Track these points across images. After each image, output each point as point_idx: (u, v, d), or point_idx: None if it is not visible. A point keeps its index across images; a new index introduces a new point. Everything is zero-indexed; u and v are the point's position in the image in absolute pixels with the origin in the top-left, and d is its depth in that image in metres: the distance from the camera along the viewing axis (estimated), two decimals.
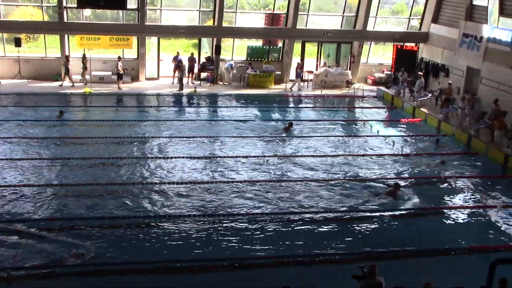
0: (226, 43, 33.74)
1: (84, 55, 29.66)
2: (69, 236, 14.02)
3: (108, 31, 29.84)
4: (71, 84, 29.60)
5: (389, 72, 33.57)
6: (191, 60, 31.55)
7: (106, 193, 16.81)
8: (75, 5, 29.37)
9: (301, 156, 21.05)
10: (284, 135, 23.48)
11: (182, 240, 14.28)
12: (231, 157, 20.51)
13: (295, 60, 33.46)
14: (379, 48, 37.57)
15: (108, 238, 14.13)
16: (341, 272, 13.15)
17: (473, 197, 18.04)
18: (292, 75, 33.30)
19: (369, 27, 32.99)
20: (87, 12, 30.28)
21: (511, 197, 18.18)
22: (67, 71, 29.42)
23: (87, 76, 29.59)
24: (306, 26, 32.93)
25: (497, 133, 22.44)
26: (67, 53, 30.05)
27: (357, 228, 15.56)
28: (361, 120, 26.64)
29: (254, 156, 20.62)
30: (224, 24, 31.77)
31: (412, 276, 12.54)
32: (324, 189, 17.92)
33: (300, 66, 31.91)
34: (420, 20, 33.58)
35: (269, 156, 20.77)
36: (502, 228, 15.98)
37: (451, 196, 18.04)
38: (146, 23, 30.51)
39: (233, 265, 13.39)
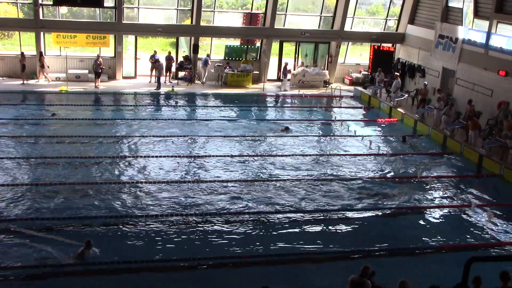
0: (204, 42, 33.65)
1: (41, 53, 29.30)
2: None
3: (84, 29, 29.60)
4: (47, 82, 29.34)
5: (366, 72, 33.82)
6: (169, 59, 31.42)
7: (80, 192, 16.65)
8: (51, 3, 29.05)
9: (277, 155, 21.09)
10: (259, 134, 23.53)
11: (166, 240, 14.26)
12: (209, 156, 20.48)
13: (274, 60, 33.56)
14: (356, 48, 37.83)
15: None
16: (317, 270, 13.26)
17: (448, 196, 18.25)
18: (270, 74, 33.41)
19: (347, 28, 33.19)
20: (63, 9, 30.00)
21: (485, 196, 18.47)
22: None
23: (62, 75, 29.31)
24: (284, 25, 33.02)
25: (471, 133, 22.75)
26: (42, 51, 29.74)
27: (333, 227, 15.64)
28: (338, 120, 26.77)
29: (232, 156, 20.63)
30: (202, 23, 31.69)
31: (388, 274, 12.63)
32: (300, 188, 17.99)
33: (287, 66, 32.00)
34: (396, 21, 33.89)
35: (248, 156, 20.80)
36: (476, 227, 16.20)
37: (427, 195, 18.23)
38: (123, 21, 30.29)
39: (213, 264, 13.41)
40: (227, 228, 15.07)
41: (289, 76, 32.58)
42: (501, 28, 25.05)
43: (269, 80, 33.27)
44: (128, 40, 32.06)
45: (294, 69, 33.50)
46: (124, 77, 31.56)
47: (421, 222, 16.39)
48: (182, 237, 14.45)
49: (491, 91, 24.75)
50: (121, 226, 14.74)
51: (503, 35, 24.71)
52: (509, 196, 18.85)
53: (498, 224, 16.43)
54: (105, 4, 29.43)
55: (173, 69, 31.91)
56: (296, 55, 34.34)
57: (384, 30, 34.27)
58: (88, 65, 30.57)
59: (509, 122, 21.65)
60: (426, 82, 28.77)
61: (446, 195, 18.32)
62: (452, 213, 17.06)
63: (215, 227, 15.07)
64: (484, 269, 10.28)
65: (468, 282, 6.00)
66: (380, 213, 16.72)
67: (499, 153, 21.40)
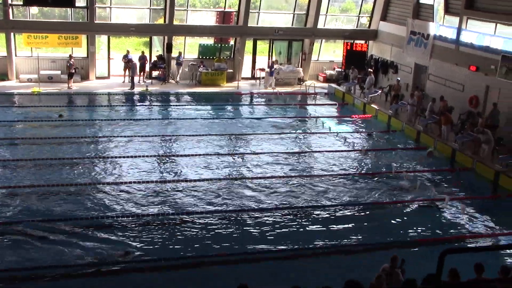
0: (178, 41, 33.51)
1: None
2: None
3: (56, 29, 29.24)
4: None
5: (340, 69, 34.01)
6: (142, 58, 31.19)
7: (53, 194, 16.51)
8: (21, 3, 28.65)
9: (253, 153, 21.14)
10: (236, 132, 23.56)
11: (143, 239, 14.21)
12: (184, 155, 20.43)
13: (248, 58, 33.58)
14: (330, 45, 38.01)
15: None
16: (296, 267, 13.34)
17: (422, 190, 18.46)
18: (244, 73, 33.42)
19: (320, 25, 33.33)
20: (34, 10, 29.60)
21: (459, 190, 18.75)
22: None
23: (34, 76, 28.96)
24: (257, 24, 33.04)
25: (444, 128, 23.06)
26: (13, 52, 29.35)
27: (309, 223, 15.76)
28: (313, 117, 26.90)
29: (208, 155, 20.62)
30: (175, 22, 31.55)
31: (364, 269, 12.76)
32: (277, 185, 18.08)
33: (274, 64, 32.04)
34: (369, 18, 34.14)
35: (223, 154, 20.80)
36: (450, 220, 16.45)
37: (401, 190, 18.42)
38: (95, 21, 29.99)
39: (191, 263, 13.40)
40: (202, 227, 15.08)
41: (260, 73, 32.71)
42: (471, 24, 25.39)
43: (243, 78, 33.27)
44: (101, 40, 31.77)
45: (268, 67, 33.52)
46: (97, 78, 31.25)
47: (396, 216, 16.57)
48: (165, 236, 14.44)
49: (462, 86, 25.10)
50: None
51: (473, 31, 25.08)
52: (482, 189, 19.19)
53: (471, 217, 16.71)
54: (77, 4, 29.10)
55: (147, 68, 31.72)
56: (270, 53, 34.40)
57: (356, 27, 34.51)
58: (60, 66, 30.22)
59: (483, 120, 21.98)
60: (399, 78, 29.06)
61: (420, 189, 18.52)
62: (426, 207, 17.27)
63: (193, 226, 15.08)
64: (459, 261, 10.47)
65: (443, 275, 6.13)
66: (354, 208, 16.87)
67: (471, 147, 21.72)
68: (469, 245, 14.94)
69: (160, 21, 32.06)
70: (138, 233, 14.48)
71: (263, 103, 29.92)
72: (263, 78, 32.82)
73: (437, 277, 6.02)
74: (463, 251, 6.48)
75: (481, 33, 24.51)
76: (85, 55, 30.91)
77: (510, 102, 22.31)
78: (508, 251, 14.52)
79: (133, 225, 14.88)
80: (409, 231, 15.69)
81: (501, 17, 23.40)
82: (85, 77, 30.79)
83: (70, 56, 29.27)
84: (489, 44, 23.80)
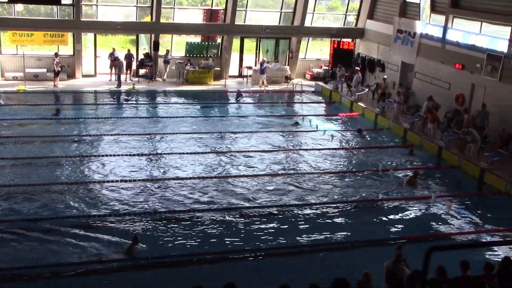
0: (165, 39, 33.42)
1: None
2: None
3: (41, 27, 29.00)
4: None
5: (327, 67, 34.10)
6: (128, 56, 31.04)
7: (40, 193, 16.42)
8: (6, 0, 28.41)
9: (241, 151, 21.16)
10: (224, 130, 23.56)
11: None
12: (171, 153, 20.41)
13: (235, 56, 33.57)
14: (317, 43, 38.09)
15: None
16: (280, 266, 13.37)
17: (409, 188, 18.53)
18: (232, 71, 33.40)
19: (307, 23, 33.38)
20: (19, 7, 29.37)
21: (445, 188, 18.89)
22: None
23: (19, 74, 28.76)
24: (244, 22, 33.02)
25: (430, 126, 23.21)
26: None
27: (296, 220, 15.81)
28: (300, 115, 26.94)
29: (194, 153, 20.60)
30: (162, 20, 31.45)
31: (352, 266, 12.82)
32: (263, 183, 18.12)
33: (264, 62, 32.01)
34: (356, 16, 34.24)
35: (210, 153, 20.80)
36: (436, 217, 16.56)
37: (388, 188, 18.52)
38: (81, 19, 29.83)
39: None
40: (188, 225, 15.08)
41: (247, 72, 32.72)
42: (457, 23, 25.57)
43: (230, 76, 33.25)
44: (87, 38, 31.59)
45: (255, 65, 33.56)
46: (83, 76, 31.06)
47: (383, 214, 16.65)
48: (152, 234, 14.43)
49: (448, 84, 25.27)
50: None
51: (459, 29, 25.26)
52: (468, 187, 19.33)
53: (457, 214, 16.84)
54: (63, 2, 28.91)
55: (134, 66, 31.60)
56: (257, 51, 34.41)
57: (343, 25, 34.60)
58: (46, 64, 30.03)
59: (468, 117, 22.13)
60: (385, 76, 29.19)
61: (407, 187, 18.61)
62: (413, 204, 17.37)
63: (179, 224, 15.08)
64: (445, 259, 10.56)
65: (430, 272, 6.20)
66: (341, 206, 16.94)
67: (458, 145, 21.88)
68: (455, 242, 15.04)
69: (147, 19, 31.94)
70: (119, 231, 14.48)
71: (250, 101, 29.92)
72: (250, 76, 32.81)
73: (423, 274, 6.08)
74: (449, 248, 6.52)
75: (467, 32, 24.68)
76: (71, 53, 30.73)
77: (495, 100, 22.50)
78: (493, 248, 14.64)
79: (116, 224, 14.85)
80: (396, 228, 15.79)
81: (486, 16, 23.58)
82: (71, 75, 30.61)
83: (56, 54, 29.09)
84: (475, 42, 23.98)
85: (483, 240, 15.55)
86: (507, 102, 21.90)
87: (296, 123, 24.98)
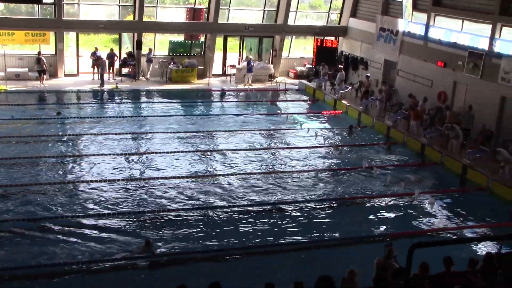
0: (148, 38, 33.26)
1: None
2: None
3: (23, 26, 28.74)
4: None
5: (311, 66, 34.16)
6: (111, 56, 30.85)
7: (23, 193, 16.33)
8: None
9: (225, 150, 21.15)
10: (207, 129, 23.53)
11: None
12: (155, 153, 20.35)
13: (218, 54, 33.52)
14: (300, 42, 38.15)
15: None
16: (268, 263, 13.39)
17: (393, 185, 18.68)
18: (215, 69, 33.34)
19: (290, 21, 33.40)
20: (0, 6, 29.04)
21: (428, 184, 19.02)
22: None
23: (0, 73, 28.46)
24: (227, 20, 32.97)
25: (413, 123, 23.36)
26: None
27: (280, 218, 15.83)
28: (284, 113, 26.96)
29: (179, 152, 20.56)
30: (145, 19, 31.30)
31: (337, 264, 12.88)
32: (248, 182, 18.13)
33: (251, 61, 31.95)
34: (339, 14, 34.34)
35: (194, 151, 20.76)
36: (419, 214, 16.67)
37: (372, 185, 18.62)
38: (63, 18, 29.58)
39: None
40: (173, 224, 15.05)
41: (231, 70, 32.70)
42: (439, 21, 25.76)
43: (214, 75, 33.19)
44: (69, 37, 31.34)
45: (239, 64, 33.53)
46: (66, 75, 30.81)
47: (367, 211, 16.74)
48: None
49: (431, 82, 25.44)
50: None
51: (441, 27, 25.45)
52: (450, 183, 19.48)
53: (440, 211, 16.98)
54: (44, 0, 28.66)
55: (117, 66, 31.41)
56: (241, 50, 34.38)
57: (326, 23, 34.68)
58: (28, 63, 29.75)
59: (452, 114, 22.28)
60: (369, 74, 29.32)
61: (391, 184, 18.73)
62: (397, 201, 17.47)
63: (163, 223, 15.04)
64: (429, 255, 10.64)
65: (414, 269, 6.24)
66: (327, 204, 16.99)
67: (440, 142, 22.05)
68: (438, 239, 15.15)
69: (130, 18, 31.77)
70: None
71: (234, 99, 29.90)
72: (234, 74, 32.78)
73: (406, 270, 6.12)
74: (432, 245, 6.57)
75: (449, 30, 24.87)
76: (53, 52, 30.47)
77: (477, 97, 22.70)
78: (476, 243, 14.79)
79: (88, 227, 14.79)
80: (379, 225, 15.87)
81: (468, 14, 23.78)
82: (53, 75, 30.33)
83: (39, 53, 28.83)
84: (456, 40, 24.18)
85: (466, 236, 15.66)
86: (488, 100, 22.10)
87: (265, 122, 24.83)
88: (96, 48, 30.89)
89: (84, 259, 13.04)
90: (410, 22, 27.50)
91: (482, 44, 22.77)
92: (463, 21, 24.25)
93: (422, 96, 24.98)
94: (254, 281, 12.38)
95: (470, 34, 23.73)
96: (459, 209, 17.16)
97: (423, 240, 14.25)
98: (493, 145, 20.95)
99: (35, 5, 29.37)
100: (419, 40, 26.47)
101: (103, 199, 16.28)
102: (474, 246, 14.58)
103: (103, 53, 30.69)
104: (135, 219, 15.14)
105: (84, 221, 14.90)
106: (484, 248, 14.21)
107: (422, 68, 26.12)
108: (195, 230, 14.84)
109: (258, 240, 14.52)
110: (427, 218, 16.46)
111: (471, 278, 9.49)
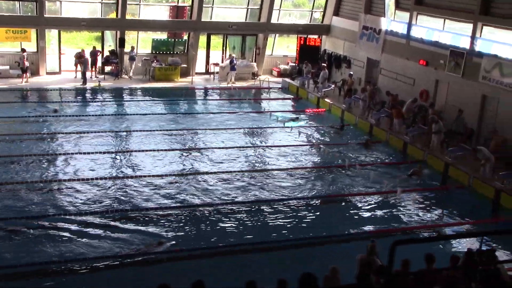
0: (130, 36, 33.11)
1: None
2: None
3: (3, 23, 28.45)
4: None
5: (294, 64, 34.23)
6: (93, 53, 30.64)
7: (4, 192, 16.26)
8: None
9: (208, 148, 21.14)
10: (190, 127, 23.51)
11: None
12: (137, 151, 20.29)
13: (201, 53, 33.47)
14: (284, 40, 38.24)
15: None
16: (251, 262, 13.43)
17: (375, 183, 18.81)
18: (198, 68, 33.29)
19: (273, 20, 33.44)
20: None
21: (410, 182, 19.16)
22: None
23: None
24: (211, 18, 32.94)
25: (395, 122, 23.52)
26: None
27: (263, 217, 15.89)
28: (267, 112, 26.99)
29: (163, 150, 20.51)
30: (128, 17, 31.17)
31: (319, 262, 12.94)
32: (231, 180, 18.15)
33: (233, 59, 31.90)
34: (322, 13, 34.44)
35: (177, 150, 20.74)
36: (402, 212, 16.80)
37: (354, 183, 18.73)
38: (45, 15, 29.33)
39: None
40: (152, 222, 15.02)
41: (214, 68, 32.68)
42: (421, 20, 25.97)
43: (197, 73, 33.14)
44: (51, 34, 31.08)
45: (222, 62, 33.51)
46: (48, 73, 30.56)
47: (350, 209, 16.84)
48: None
49: (413, 80, 25.63)
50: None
51: (423, 26, 25.65)
52: (432, 181, 19.64)
53: (422, 208, 17.14)
54: None
55: (99, 63, 31.22)
56: (224, 48, 34.36)
57: (310, 22, 34.78)
58: (9, 61, 29.47)
59: (434, 112, 22.44)
60: (352, 73, 29.45)
61: (372, 182, 18.86)
62: (379, 199, 17.60)
63: (142, 221, 15.01)
64: (411, 252, 10.73)
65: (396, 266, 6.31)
66: (309, 202, 17.08)
67: (422, 140, 22.23)
68: (420, 236, 15.28)
69: (112, 15, 31.61)
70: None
71: (217, 98, 29.88)
72: (217, 73, 32.77)
73: (388, 267, 6.17)
74: (413, 242, 6.66)
75: (431, 28, 25.08)
76: (35, 50, 30.19)
77: (458, 95, 22.92)
78: (457, 240, 14.95)
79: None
80: (361, 223, 15.97)
81: (449, 13, 23.99)
82: (35, 73, 30.08)
83: (23, 50, 28.55)
84: (438, 39, 24.38)
85: (448, 233, 15.82)
86: (469, 98, 22.33)
87: (248, 120, 24.86)
88: (82, 50, 30.55)
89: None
90: (393, 21, 27.68)
91: (464, 43, 23.00)
92: (444, 20, 24.47)
93: (404, 95, 25.19)
94: (236, 280, 12.40)
95: (452, 33, 23.96)
96: (440, 207, 17.34)
97: (405, 238, 14.47)
98: (474, 143, 21.17)
99: (16, 2, 29.13)
100: (402, 39, 26.66)
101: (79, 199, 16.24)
102: (455, 243, 14.75)
103: (86, 51, 30.46)
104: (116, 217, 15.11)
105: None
106: (465, 245, 14.36)
107: (404, 67, 26.30)
108: (180, 227, 14.84)
109: (240, 238, 14.53)
110: (409, 216, 16.60)
111: (452, 275, 9.60)
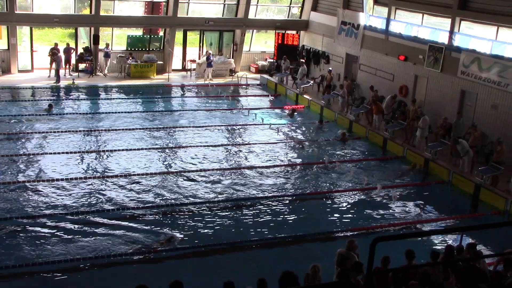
0: (105, 32, 32.86)
1: None
2: None
3: None
4: None
5: (272, 60, 34.28)
6: (67, 51, 30.32)
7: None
8: None
9: (186, 146, 21.11)
10: (167, 126, 23.46)
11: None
12: (113, 150, 20.19)
13: (178, 49, 33.37)
14: (261, 36, 38.25)
15: None
16: (227, 261, 13.46)
17: (355, 180, 18.95)
18: (175, 64, 33.19)
19: (251, 15, 33.45)
20: None
21: (390, 178, 19.34)
22: None
23: None
24: (187, 14, 32.83)
25: (375, 117, 23.70)
26: None
27: (242, 216, 15.92)
28: (245, 109, 27.02)
29: (140, 149, 20.43)
30: (102, 13, 30.93)
31: (298, 260, 13.00)
32: (209, 179, 18.15)
33: (210, 55, 31.79)
34: (300, 8, 34.55)
35: (154, 148, 20.67)
36: (382, 208, 16.95)
37: (334, 180, 18.85)
38: (16, 11, 28.98)
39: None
40: (132, 223, 14.98)
41: (191, 65, 32.63)
42: (399, 15, 26.20)
43: (174, 70, 33.02)
44: (23, 31, 30.71)
45: (199, 59, 33.44)
46: (20, 71, 30.21)
47: (329, 206, 16.94)
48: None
49: (392, 76, 25.85)
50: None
51: (401, 21, 25.88)
52: (412, 177, 19.84)
53: (403, 205, 17.30)
54: None
55: (73, 61, 30.93)
56: (201, 44, 34.29)
57: (288, 17, 34.87)
58: None
59: (415, 107, 22.61)
60: (330, 68, 29.58)
61: (353, 179, 19.00)
62: (359, 196, 17.74)
63: (123, 222, 14.96)
64: (391, 249, 10.86)
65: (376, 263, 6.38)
66: (288, 200, 17.15)
67: (402, 136, 22.43)
68: (399, 233, 15.42)
69: (86, 11, 31.34)
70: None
71: (194, 95, 29.83)
72: (194, 69, 32.69)
73: (369, 264, 6.23)
74: (393, 239, 6.72)
75: (409, 23, 25.30)
76: (6, 48, 29.81)
77: (437, 90, 23.18)
78: (437, 236, 15.15)
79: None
80: (342, 221, 16.06)
81: (427, 8, 24.24)
82: (6, 71, 29.72)
83: None
84: (417, 34, 24.61)
85: (428, 229, 15.99)
86: (448, 93, 22.61)
87: (226, 118, 24.88)
88: (56, 44, 30.24)
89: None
90: (371, 16, 27.86)
91: (442, 38, 23.26)
92: (423, 15, 24.73)
93: (383, 90, 25.39)
94: (216, 279, 12.43)
95: (430, 28, 24.21)
96: (421, 203, 17.53)
97: (385, 234, 14.61)
98: (453, 137, 21.40)
99: None
100: (381, 34, 26.86)
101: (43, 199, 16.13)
102: (436, 239, 14.94)
103: (59, 48, 30.13)
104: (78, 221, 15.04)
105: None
106: (445, 241, 14.57)
107: (383, 62, 26.51)
108: (159, 227, 14.81)
109: (220, 237, 14.53)
110: (390, 212, 16.75)
111: (430, 270, 9.73)
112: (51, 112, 24.05)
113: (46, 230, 14.27)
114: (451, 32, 22.75)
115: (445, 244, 13.22)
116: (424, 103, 23.63)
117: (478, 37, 21.91)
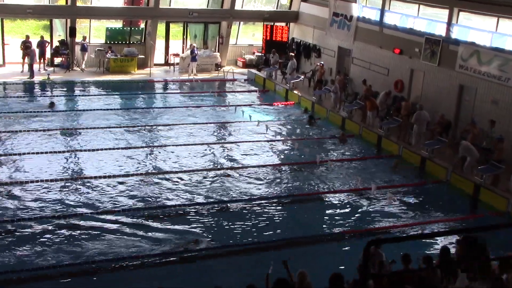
0: (82, 24, 32.73)
1: None
2: None
3: None
4: None
5: (260, 54, 34.28)
6: (41, 44, 30.10)
7: None
8: None
9: (168, 146, 21.09)
10: (149, 123, 23.43)
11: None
12: (91, 150, 20.14)
13: (160, 42, 33.31)
14: (249, 28, 38.26)
15: None
16: (218, 265, 13.48)
17: (348, 179, 19.02)
18: (157, 58, 33.14)
19: (237, 6, 33.41)
20: None
21: (385, 178, 19.43)
22: None
23: None
24: (170, 5, 32.78)
25: (369, 114, 23.78)
26: None
27: (229, 218, 15.94)
28: (232, 105, 27.00)
29: (121, 148, 20.39)
30: (79, 3, 30.80)
31: (290, 264, 13.03)
32: (194, 179, 18.18)
33: (194, 49, 31.76)
34: None
35: (134, 148, 20.63)
36: (377, 210, 17.02)
37: (326, 180, 18.89)
38: None
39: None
40: (111, 226, 14.97)
41: (174, 59, 32.63)
42: (394, 5, 26.29)
43: (156, 64, 32.97)
44: None
45: (183, 52, 33.40)
46: None
47: (322, 207, 17.01)
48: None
49: (387, 70, 25.91)
50: None
51: (396, 12, 25.98)
52: (408, 177, 19.92)
53: (398, 206, 17.37)
54: None
55: (48, 55, 30.76)
56: (184, 37, 34.24)
57: (277, 8, 34.89)
58: None
59: (407, 104, 22.75)
60: (322, 62, 29.61)
61: (346, 178, 19.07)
62: (353, 196, 17.80)
63: (104, 225, 14.94)
64: (387, 252, 10.95)
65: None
66: (280, 201, 17.19)
67: (397, 133, 22.52)
68: (393, 236, 15.46)
69: (62, 2, 31.21)
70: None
71: (178, 91, 29.79)
72: (177, 64, 32.65)
73: (363, 268, 6.31)
74: (387, 242, 6.81)
75: (405, 15, 25.41)
76: None
77: (434, 85, 23.30)
78: (435, 239, 15.23)
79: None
80: (335, 223, 16.11)
81: None
82: None
83: None
84: (413, 26, 24.73)
85: (423, 232, 16.07)
86: (445, 88, 22.72)
87: (212, 115, 24.93)
88: (27, 37, 30.07)
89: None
90: (365, 7, 27.94)
91: (439, 30, 23.37)
92: (419, 6, 24.82)
93: (378, 85, 25.48)
94: (203, 285, 12.48)
95: (427, 19, 24.33)
96: (417, 203, 17.64)
97: (379, 237, 14.67)
98: (452, 135, 21.56)
99: None
100: (375, 26, 26.93)
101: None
102: (433, 242, 15.01)
103: (33, 42, 29.94)
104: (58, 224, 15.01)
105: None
106: (442, 243, 14.63)
107: (378, 56, 26.58)
108: (138, 231, 14.81)
109: (208, 241, 14.55)
110: (384, 214, 16.79)
111: (425, 275, 9.82)
112: (53, 109, 24.34)
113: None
114: (449, 23, 22.86)
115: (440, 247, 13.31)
116: (420, 99, 23.74)
117: (477, 28, 22.06)
